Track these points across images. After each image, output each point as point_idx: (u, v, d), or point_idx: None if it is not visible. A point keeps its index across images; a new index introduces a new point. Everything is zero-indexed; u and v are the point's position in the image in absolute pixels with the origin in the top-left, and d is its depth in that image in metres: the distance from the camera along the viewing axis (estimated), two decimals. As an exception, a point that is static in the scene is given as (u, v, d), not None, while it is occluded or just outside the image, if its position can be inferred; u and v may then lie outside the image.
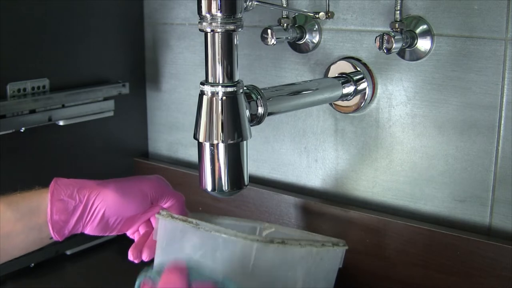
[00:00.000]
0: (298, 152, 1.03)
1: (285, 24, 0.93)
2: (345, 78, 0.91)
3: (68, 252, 1.08)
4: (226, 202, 1.08)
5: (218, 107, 0.68)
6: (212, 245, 0.71)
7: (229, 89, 0.68)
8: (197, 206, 1.09)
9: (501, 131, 0.82)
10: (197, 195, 0.99)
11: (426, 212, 0.91)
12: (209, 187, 0.71)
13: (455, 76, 0.85)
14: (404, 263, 0.89)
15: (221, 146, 0.69)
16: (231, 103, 0.68)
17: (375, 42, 0.83)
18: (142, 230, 0.78)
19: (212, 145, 0.69)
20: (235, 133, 0.69)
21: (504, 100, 0.81)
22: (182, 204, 0.80)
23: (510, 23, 0.79)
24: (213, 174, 0.70)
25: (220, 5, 0.65)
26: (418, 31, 0.86)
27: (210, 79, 0.68)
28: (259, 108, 0.74)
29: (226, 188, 0.70)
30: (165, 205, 0.78)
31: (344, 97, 0.91)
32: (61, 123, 1.04)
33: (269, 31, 0.91)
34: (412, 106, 0.89)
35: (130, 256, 0.76)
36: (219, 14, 0.66)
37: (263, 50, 1.03)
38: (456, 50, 0.84)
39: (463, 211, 0.87)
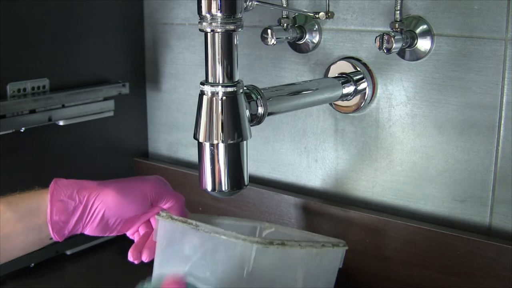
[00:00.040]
0: (298, 152, 1.03)
1: (285, 24, 0.93)
2: (345, 78, 0.91)
3: (68, 252, 1.08)
4: (226, 202, 1.08)
5: (218, 107, 0.68)
6: (211, 247, 0.71)
7: (229, 89, 0.68)
8: (197, 206, 1.09)
9: (501, 131, 0.82)
10: (197, 195, 0.99)
11: (426, 212, 0.91)
12: (209, 187, 0.70)
13: (455, 76, 0.85)
14: (404, 263, 0.89)
15: (221, 146, 0.69)
16: (231, 103, 0.68)
17: (375, 42, 0.83)
18: (142, 230, 0.78)
19: (212, 145, 0.69)
20: (235, 133, 0.69)
21: (504, 100, 0.81)
22: (182, 205, 0.79)
23: (510, 23, 0.79)
24: (213, 174, 0.70)
25: (220, 5, 0.65)
26: (418, 31, 0.86)
27: (210, 79, 0.68)
28: (259, 108, 0.74)
29: (226, 188, 0.70)
30: (165, 206, 0.78)
31: (344, 97, 0.91)
32: (61, 123, 1.04)
33: (269, 31, 0.91)
34: (412, 106, 0.89)
35: (130, 257, 0.76)
36: (219, 14, 0.66)
37: (263, 50, 1.03)
38: (456, 50, 0.84)
39: (463, 211, 0.87)
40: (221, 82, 0.68)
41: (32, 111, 0.99)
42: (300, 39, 0.96)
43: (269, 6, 0.81)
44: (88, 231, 0.74)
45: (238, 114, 0.69)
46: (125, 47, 1.17)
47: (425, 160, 0.89)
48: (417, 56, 0.87)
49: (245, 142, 0.70)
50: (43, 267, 1.03)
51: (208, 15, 0.66)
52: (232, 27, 0.67)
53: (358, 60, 0.93)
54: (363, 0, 0.90)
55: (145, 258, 0.76)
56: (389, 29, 0.85)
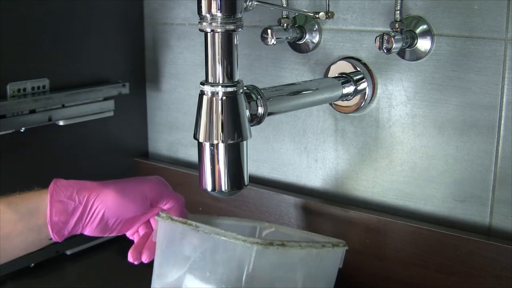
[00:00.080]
0: (298, 152, 1.03)
1: (285, 24, 0.93)
2: (345, 78, 0.91)
3: (68, 252, 1.08)
4: (226, 202, 1.08)
5: (218, 107, 0.68)
6: (211, 247, 0.71)
7: (229, 89, 0.68)
8: (197, 206, 1.09)
9: (501, 131, 0.82)
10: (197, 195, 0.99)
11: (426, 212, 0.91)
12: (209, 187, 0.70)
13: (455, 76, 0.84)
14: (404, 263, 0.89)
15: (221, 146, 0.69)
16: (231, 103, 0.68)
17: (375, 42, 0.83)
18: (141, 231, 0.78)
19: (212, 145, 0.69)
20: (235, 133, 0.69)
21: (504, 100, 0.81)
22: (182, 205, 0.79)
23: (510, 23, 0.79)
24: (213, 174, 0.70)
25: (220, 5, 0.65)
26: (418, 31, 0.86)
27: (210, 79, 0.68)
28: (259, 108, 0.74)
29: (226, 188, 0.70)
30: (165, 207, 0.78)
31: (344, 97, 0.91)
32: (61, 123, 1.04)
33: (269, 31, 0.91)
34: (412, 106, 0.89)
35: (130, 258, 0.76)
36: (219, 14, 0.66)
37: (263, 50, 1.03)
38: (456, 50, 0.84)
39: (463, 211, 0.87)
40: (221, 82, 0.68)
41: (32, 111, 0.99)
42: (300, 39, 0.96)
43: (269, 6, 0.81)
44: (87, 231, 0.74)
45: (238, 114, 0.69)
46: (125, 47, 1.17)
47: (425, 160, 0.89)
48: (417, 56, 0.87)
49: (245, 142, 0.70)
50: (43, 267, 1.03)
51: (208, 15, 0.66)
52: (232, 27, 0.67)
53: (358, 60, 0.93)
54: (363, 0, 0.90)
55: (145, 259, 0.76)
56: (389, 29, 0.85)
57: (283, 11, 0.93)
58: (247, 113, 0.71)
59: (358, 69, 0.92)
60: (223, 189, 0.70)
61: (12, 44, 0.97)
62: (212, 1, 0.65)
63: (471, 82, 0.83)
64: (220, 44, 0.67)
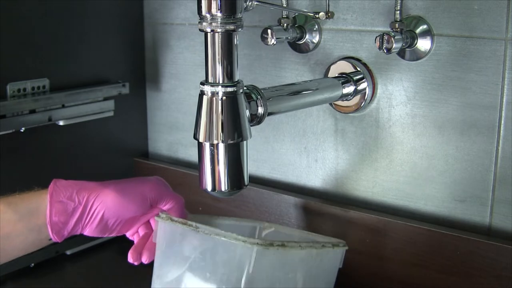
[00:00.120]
0: (298, 152, 1.03)
1: (285, 24, 0.93)
2: (345, 78, 0.91)
3: (68, 252, 1.08)
4: (226, 202, 1.08)
5: (218, 107, 0.68)
6: (211, 248, 0.71)
7: (229, 89, 0.68)
8: (197, 206, 1.09)
9: (501, 131, 0.82)
10: (197, 195, 0.99)
11: (426, 212, 0.91)
12: (209, 187, 0.70)
13: (455, 76, 0.84)
14: (404, 263, 0.89)
15: (221, 146, 0.69)
16: (231, 103, 0.68)
17: (375, 42, 0.83)
18: (141, 231, 0.78)
19: (212, 145, 0.69)
20: (235, 133, 0.69)
21: (504, 100, 0.81)
22: (182, 206, 0.79)
23: (510, 23, 0.79)
24: (213, 174, 0.70)
25: (220, 5, 0.65)
26: (418, 31, 0.86)
27: (210, 79, 0.68)
28: (259, 108, 0.74)
29: (226, 188, 0.70)
30: (165, 207, 0.78)
31: (344, 97, 0.91)
32: (61, 123, 1.04)
33: (269, 31, 0.91)
34: (412, 106, 0.89)
35: (130, 259, 0.76)
36: (219, 14, 0.66)
37: (263, 50, 1.03)
38: (456, 50, 0.84)
39: (463, 211, 0.87)
40: (221, 82, 0.68)
41: (32, 111, 0.99)
42: (300, 39, 0.96)
43: (269, 6, 0.81)
44: (87, 232, 0.74)
45: (238, 114, 0.69)
46: (125, 47, 1.17)
47: (425, 160, 0.89)
48: (417, 56, 0.87)
49: (245, 142, 0.70)
50: (43, 267, 1.03)
51: (208, 15, 0.66)
52: (232, 27, 0.67)
53: (358, 60, 0.93)
54: (363, 0, 0.90)
55: (145, 260, 0.76)
56: (389, 29, 0.85)
57: (283, 11, 0.93)
58: (247, 113, 0.71)
59: (358, 69, 0.92)
60: (223, 189, 0.70)
61: (12, 44, 0.97)
62: (212, 1, 0.65)
63: (471, 82, 0.83)
64: (220, 44, 0.67)
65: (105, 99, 1.11)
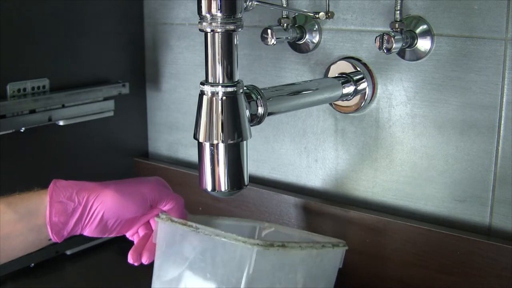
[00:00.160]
0: (298, 152, 1.03)
1: (285, 24, 0.93)
2: (345, 78, 0.91)
3: (68, 252, 1.08)
4: (226, 202, 1.08)
5: (218, 107, 0.68)
6: (211, 249, 0.71)
7: (229, 89, 0.68)
8: (197, 206, 1.09)
9: (501, 131, 0.82)
10: (197, 195, 0.99)
11: (426, 212, 0.91)
12: (209, 187, 0.70)
13: (455, 76, 0.84)
14: (404, 263, 0.89)
15: (221, 146, 0.69)
16: (231, 103, 0.68)
17: (375, 42, 0.83)
18: (141, 232, 0.78)
19: (212, 145, 0.69)
20: (235, 133, 0.69)
21: (504, 100, 0.81)
22: (182, 206, 0.79)
23: (510, 23, 0.79)
24: (213, 174, 0.70)
25: (220, 5, 0.65)
26: (418, 31, 0.86)
27: (210, 79, 0.68)
28: (259, 108, 0.74)
29: (226, 188, 0.70)
30: (165, 208, 0.78)
31: (344, 97, 0.91)
32: (61, 123, 1.04)
33: (269, 31, 0.91)
34: (412, 106, 0.89)
35: (130, 259, 0.76)
36: (219, 14, 0.66)
37: (263, 50, 1.03)
38: (456, 50, 0.84)
39: (463, 211, 0.87)
40: (221, 82, 0.68)
41: (32, 111, 0.99)
42: (300, 39, 0.96)
43: (269, 6, 0.81)
44: (87, 232, 0.74)
45: (238, 114, 0.69)
46: (125, 47, 1.17)
47: (425, 160, 0.89)
48: (417, 56, 0.87)
49: (245, 142, 0.70)
50: (43, 267, 1.03)
51: (208, 15, 0.66)
52: (232, 27, 0.67)
53: (358, 60, 0.93)
54: (363, 0, 0.90)
55: (145, 260, 0.76)
56: (389, 29, 0.85)
57: (283, 11, 0.93)
58: (247, 113, 0.71)
59: (358, 69, 0.92)
60: (223, 189, 0.70)
61: (12, 44, 0.97)
62: (212, 1, 0.65)
63: (471, 82, 0.83)
64: (220, 44, 0.67)
65: (105, 99, 1.11)
